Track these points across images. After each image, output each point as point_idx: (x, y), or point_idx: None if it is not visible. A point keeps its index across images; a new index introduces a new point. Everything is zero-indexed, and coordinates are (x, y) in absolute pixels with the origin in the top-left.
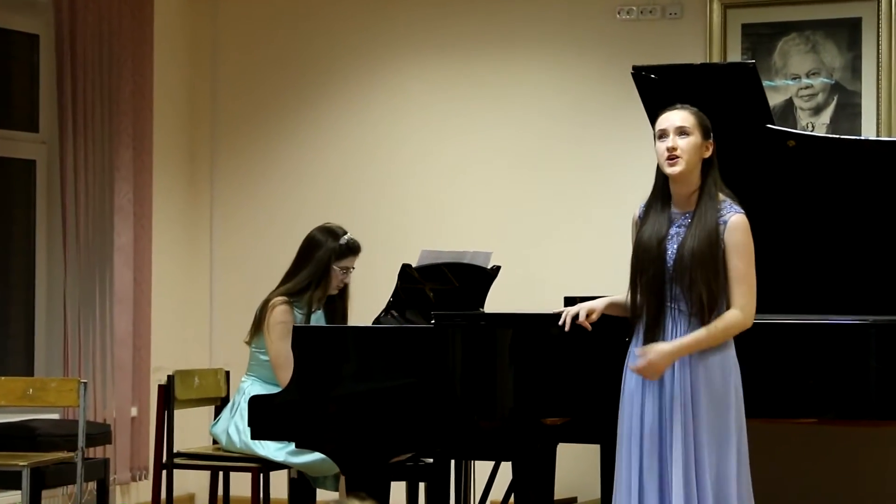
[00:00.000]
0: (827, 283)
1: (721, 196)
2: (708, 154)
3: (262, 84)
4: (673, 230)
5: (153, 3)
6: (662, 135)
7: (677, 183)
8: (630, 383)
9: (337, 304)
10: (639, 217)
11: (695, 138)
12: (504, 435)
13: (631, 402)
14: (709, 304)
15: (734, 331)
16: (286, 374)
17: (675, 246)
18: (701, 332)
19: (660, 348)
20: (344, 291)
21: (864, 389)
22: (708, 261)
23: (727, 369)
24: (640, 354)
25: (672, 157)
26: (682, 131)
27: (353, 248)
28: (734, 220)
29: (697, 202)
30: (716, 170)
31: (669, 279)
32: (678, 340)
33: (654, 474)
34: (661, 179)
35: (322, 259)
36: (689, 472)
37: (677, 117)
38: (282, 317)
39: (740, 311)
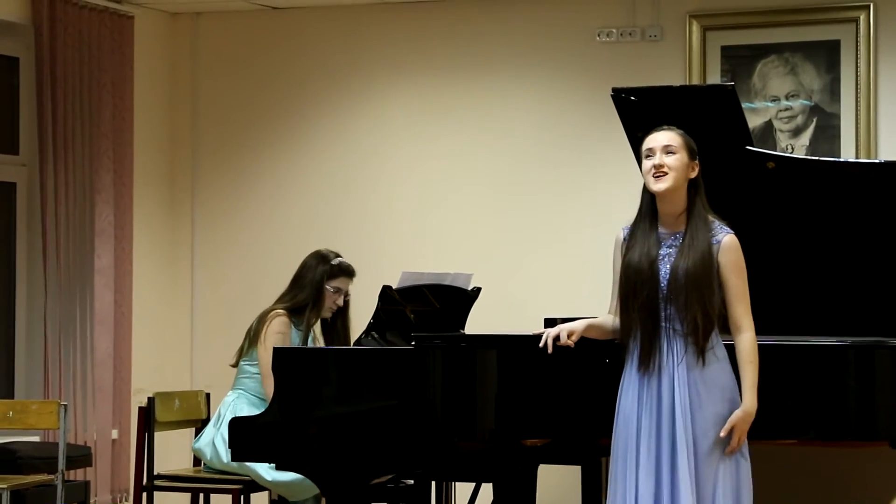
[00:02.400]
0: (806, 304)
1: (709, 217)
2: (694, 174)
3: (243, 107)
4: (663, 251)
5: (133, 26)
6: (649, 154)
7: (664, 202)
8: (626, 405)
9: (338, 328)
10: (623, 238)
11: (681, 157)
12: (485, 456)
13: (627, 420)
14: (704, 325)
15: (755, 347)
16: (272, 382)
17: (668, 266)
18: (750, 370)
19: (740, 415)
20: (345, 315)
21: (844, 410)
22: (703, 281)
23: (725, 384)
24: (730, 432)
25: (658, 175)
26: (668, 150)
27: (344, 269)
28: (728, 241)
29: (687, 222)
30: (702, 191)
31: (664, 299)
32: (748, 396)
33: (649, 494)
34: (648, 200)
35: (315, 280)
36: (690, 487)
37: (664, 137)
38: (280, 327)
39: (749, 330)
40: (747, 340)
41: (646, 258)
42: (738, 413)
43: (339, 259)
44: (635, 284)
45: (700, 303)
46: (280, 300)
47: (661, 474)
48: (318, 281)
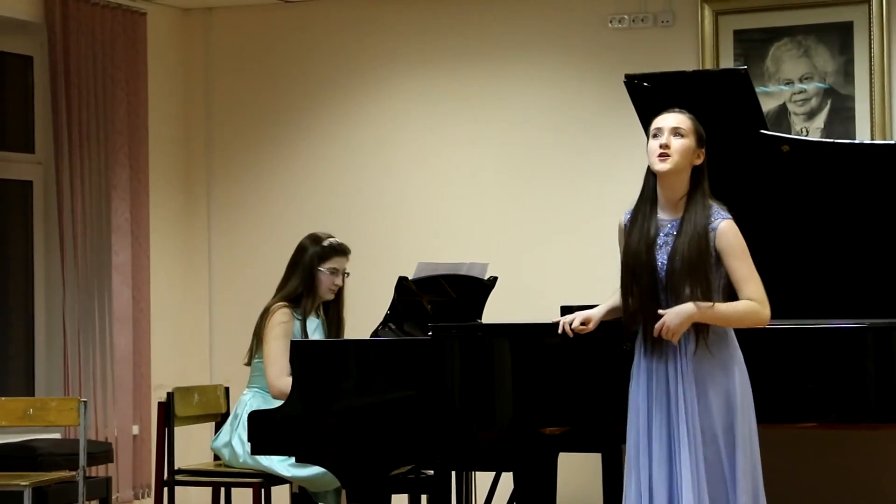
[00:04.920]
0: (823, 287)
1: (709, 202)
2: (699, 162)
3: (256, 101)
4: (661, 238)
5: (146, 22)
6: (657, 133)
7: (665, 186)
8: (636, 394)
9: (332, 312)
10: (625, 223)
11: (688, 141)
12: (504, 445)
13: (637, 409)
14: None
15: (750, 318)
16: (274, 370)
17: (666, 255)
18: (720, 305)
19: (677, 310)
20: (338, 299)
21: (863, 393)
22: (698, 269)
23: (731, 371)
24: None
25: (663, 155)
26: (677, 132)
27: (336, 249)
28: (723, 227)
29: (686, 209)
30: (705, 179)
31: (663, 289)
32: (702, 306)
33: (663, 481)
34: (651, 184)
35: (307, 264)
36: (695, 477)
37: (674, 119)
38: (281, 318)
39: (756, 301)
40: (745, 302)
41: (644, 245)
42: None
43: (330, 239)
44: (634, 272)
45: (696, 290)
46: (277, 290)
47: (675, 463)
48: (308, 265)
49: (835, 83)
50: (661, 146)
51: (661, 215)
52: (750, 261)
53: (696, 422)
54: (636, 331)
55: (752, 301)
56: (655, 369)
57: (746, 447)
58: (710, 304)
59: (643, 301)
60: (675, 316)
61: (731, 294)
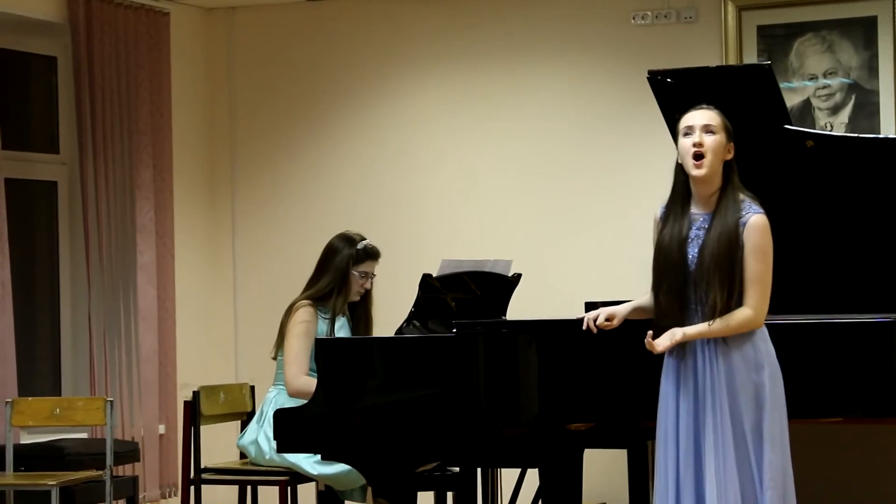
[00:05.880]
0: (849, 282)
1: (741, 196)
2: (729, 156)
3: (280, 99)
4: (693, 232)
5: (169, 23)
6: (688, 132)
7: (699, 183)
8: (665, 388)
9: (360, 311)
10: (660, 218)
11: (720, 137)
12: (529, 442)
13: (666, 405)
14: (727, 305)
15: (743, 328)
16: (292, 370)
17: (696, 249)
18: (712, 324)
19: (675, 334)
20: (367, 298)
21: (890, 387)
22: (726, 264)
23: (761, 367)
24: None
25: (698, 157)
26: (708, 129)
27: (370, 253)
28: (753, 221)
29: (717, 203)
30: (735, 173)
31: (692, 282)
32: (692, 329)
33: (689, 477)
34: (682, 179)
35: (340, 265)
36: (719, 473)
37: (704, 116)
38: (304, 317)
39: (751, 310)
40: (741, 313)
41: (676, 240)
42: (674, 329)
43: (364, 242)
44: (665, 266)
45: (722, 284)
46: (306, 288)
47: (702, 457)
48: (343, 266)
49: (859, 78)
50: (694, 144)
51: (694, 210)
52: (768, 262)
53: (725, 418)
54: (666, 327)
55: (746, 311)
56: (683, 366)
57: (776, 443)
58: (706, 326)
59: (671, 294)
60: (668, 338)
61: None
